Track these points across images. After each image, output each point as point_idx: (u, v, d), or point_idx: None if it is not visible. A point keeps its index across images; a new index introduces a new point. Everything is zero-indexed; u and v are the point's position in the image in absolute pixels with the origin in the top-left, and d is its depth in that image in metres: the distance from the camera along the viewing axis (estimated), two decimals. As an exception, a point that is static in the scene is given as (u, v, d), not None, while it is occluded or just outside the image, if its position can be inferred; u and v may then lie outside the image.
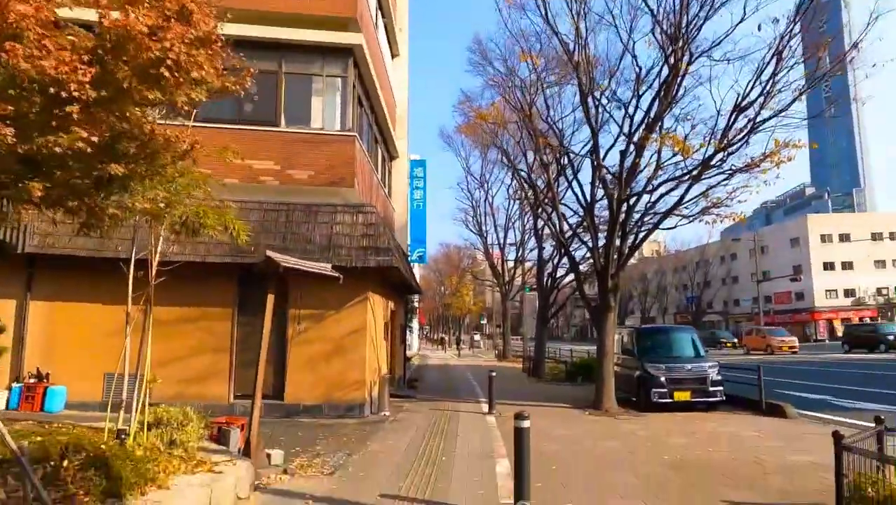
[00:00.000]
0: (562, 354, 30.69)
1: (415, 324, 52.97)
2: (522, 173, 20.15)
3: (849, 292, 62.30)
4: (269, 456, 6.54)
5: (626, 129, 11.83)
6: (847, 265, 62.87)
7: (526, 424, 5.28)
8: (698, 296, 74.03)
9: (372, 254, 10.77)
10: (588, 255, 16.15)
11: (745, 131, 9.97)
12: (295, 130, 11.70)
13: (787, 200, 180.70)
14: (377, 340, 12.40)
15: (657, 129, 11.14)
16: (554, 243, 25.17)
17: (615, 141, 13.41)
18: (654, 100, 11.11)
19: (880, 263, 63.45)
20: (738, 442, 8.67)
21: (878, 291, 62.08)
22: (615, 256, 12.76)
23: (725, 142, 10.14)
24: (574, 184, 14.31)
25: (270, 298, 6.44)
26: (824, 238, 63.53)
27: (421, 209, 37.47)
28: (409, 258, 34.11)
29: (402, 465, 7.12)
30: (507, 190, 37.52)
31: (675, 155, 12.51)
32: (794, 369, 21.70)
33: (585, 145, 18.21)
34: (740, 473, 6.76)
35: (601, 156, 12.78)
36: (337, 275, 6.94)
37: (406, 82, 21.30)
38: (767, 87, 9.85)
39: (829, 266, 62.75)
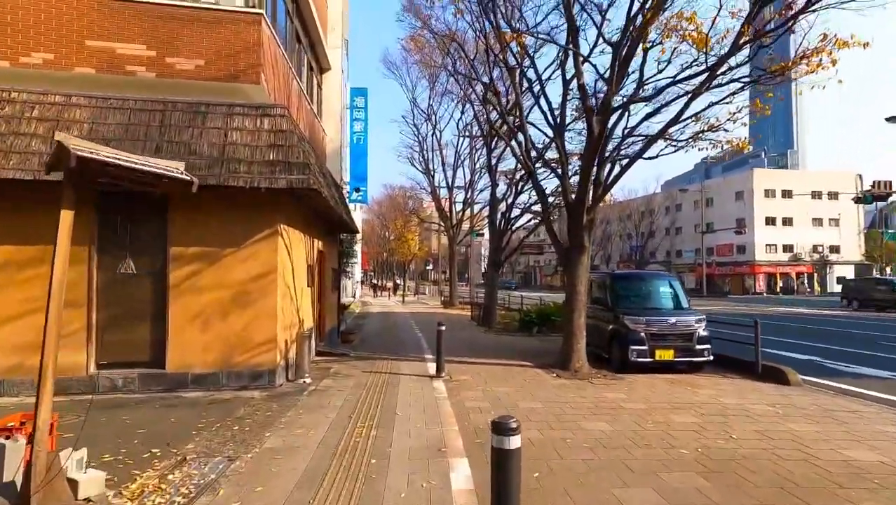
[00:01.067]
0: (511, 301, 28.99)
1: (357, 269, 50.33)
2: (481, 83, 17.22)
3: (787, 248, 63.78)
4: (74, 486, 3.92)
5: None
6: (787, 221, 64.14)
7: (514, 442, 2.91)
8: (642, 245, 74.52)
9: (282, 171, 7.96)
10: (556, 188, 13.91)
11: (797, 9, 7.44)
12: (177, 3, 8.50)
13: (725, 157, 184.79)
14: (296, 286, 9.77)
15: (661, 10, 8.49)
16: (508, 180, 22.82)
17: (596, 41, 10.87)
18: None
19: (817, 221, 65.17)
20: (760, 423, 6.72)
21: (814, 248, 63.94)
22: (590, 187, 10.46)
23: (755, 29, 7.70)
24: (542, 102, 11.75)
25: (65, 216, 3.68)
26: (768, 193, 64.27)
27: (362, 144, 34.15)
28: (347, 194, 31.03)
29: (309, 477, 4.68)
30: (457, 125, 34.65)
31: (668, 61, 10.16)
32: (771, 325, 20.64)
33: (551, 63, 15.52)
34: (806, 483, 4.71)
35: (585, 54, 10.17)
36: (188, 177, 4.18)
37: (341, -15, 17.83)
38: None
39: (770, 221, 63.77)
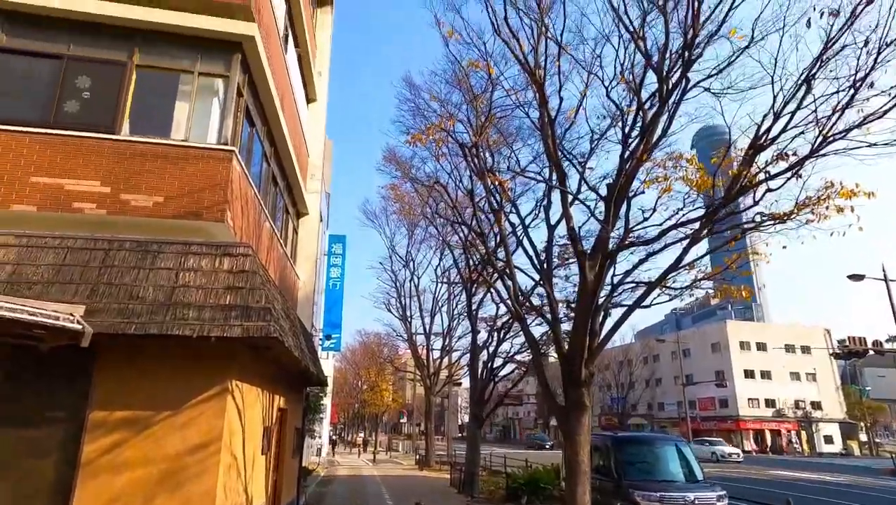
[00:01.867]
0: (493, 460, 26.43)
1: (325, 424, 46.86)
2: (464, 226, 16.84)
3: (769, 402, 62.63)
4: None
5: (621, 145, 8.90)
6: (766, 374, 63.76)
7: None
8: (624, 397, 72.26)
9: (239, 317, 6.84)
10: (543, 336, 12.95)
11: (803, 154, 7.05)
12: (141, 140, 7.95)
13: (694, 309, 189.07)
14: (246, 456, 8.15)
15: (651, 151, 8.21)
16: (489, 327, 21.84)
17: (578, 188, 10.58)
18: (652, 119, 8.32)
19: (795, 375, 65.04)
20: None
21: (796, 403, 62.94)
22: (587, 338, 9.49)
23: (762, 173, 7.31)
24: (526, 246, 11.22)
25: None
26: (743, 345, 64.58)
27: (338, 290, 33.39)
28: (319, 341, 29.43)
29: None
30: (435, 271, 34.43)
31: (653, 209, 9.84)
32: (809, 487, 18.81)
33: (534, 207, 15.41)
34: None
35: (574, 191, 9.77)
36: (78, 327, 3.07)
37: (323, 135, 18.20)
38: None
39: (749, 374, 63.31)
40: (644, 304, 9.83)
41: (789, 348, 64.92)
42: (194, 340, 6.57)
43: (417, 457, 35.85)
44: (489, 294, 22.64)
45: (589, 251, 9.54)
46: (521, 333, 18.19)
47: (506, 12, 8.49)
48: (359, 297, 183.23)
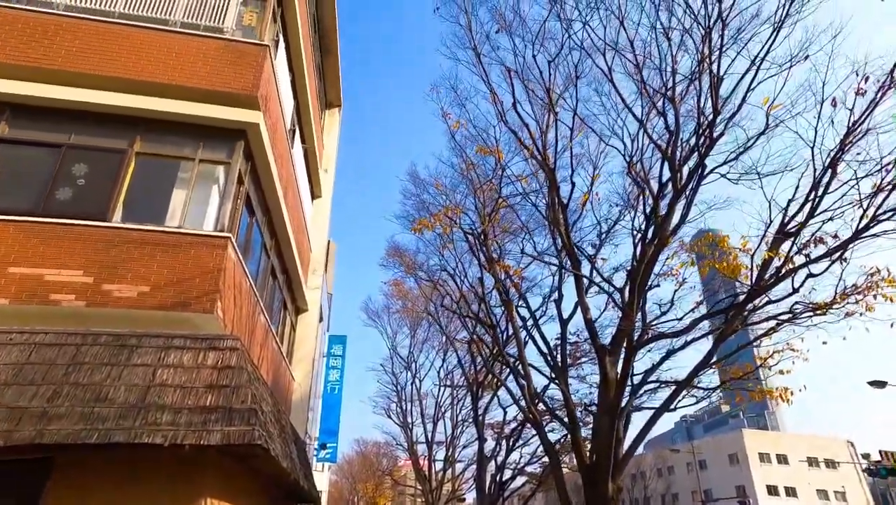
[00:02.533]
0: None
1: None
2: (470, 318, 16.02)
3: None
4: None
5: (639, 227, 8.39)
6: (791, 491, 59.29)
7: None
8: (627, 514, 67.27)
9: (220, 420, 5.97)
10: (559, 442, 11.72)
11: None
12: (133, 227, 7.51)
13: (705, 416, 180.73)
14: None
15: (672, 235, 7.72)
16: (496, 434, 20.33)
17: (590, 285, 9.98)
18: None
19: (823, 494, 60.17)
20: None
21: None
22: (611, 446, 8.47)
23: (802, 257, 6.74)
24: (538, 341, 10.44)
25: None
26: (763, 457, 60.78)
27: (336, 394, 31.69)
28: (314, 451, 27.38)
29: None
30: (438, 373, 33.04)
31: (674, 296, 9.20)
32: None
33: (545, 301, 14.74)
34: None
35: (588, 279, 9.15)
36: None
37: (326, 230, 18.01)
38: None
39: (773, 490, 58.96)
40: (671, 406, 8.90)
41: (812, 462, 60.74)
42: (167, 448, 5.68)
43: (418, 585, 32.33)
44: (496, 398, 21.41)
45: (609, 345, 8.78)
46: (532, 440, 16.76)
47: (514, 98, 8.39)
48: (357, 401, 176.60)
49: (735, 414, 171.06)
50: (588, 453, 8.63)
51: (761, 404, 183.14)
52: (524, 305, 11.38)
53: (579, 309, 11.79)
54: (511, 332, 9.50)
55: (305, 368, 15.20)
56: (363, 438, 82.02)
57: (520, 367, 9.24)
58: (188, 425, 5.86)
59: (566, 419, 9.56)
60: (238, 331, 8.02)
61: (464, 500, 44.37)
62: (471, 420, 33.82)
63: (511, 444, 18.27)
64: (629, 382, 9.82)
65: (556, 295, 11.80)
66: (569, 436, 9.23)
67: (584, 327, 9.48)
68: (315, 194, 16.98)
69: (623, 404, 9.18)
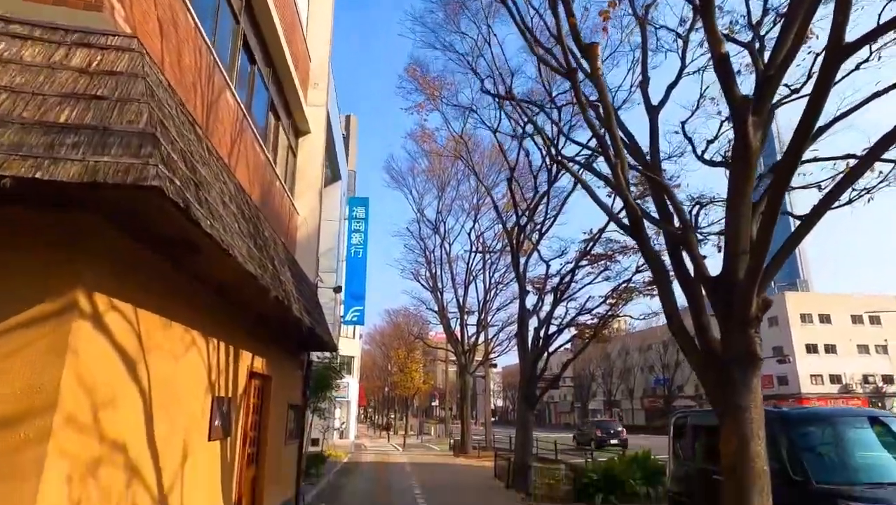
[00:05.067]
0: (539, 447, 22.53)
1: (352, 407, 43.82)
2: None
3: (834, 378, 56.89)
4: None
5: None
6: (830, 348, 57.95)
7: None
8: (669, 378, 67.54)
9: (80, 147, 3.10)
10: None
11: None
12: None
13: None
14: (159, 442, 4.51)
15: None
16: (537, 290, 17.86)
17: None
18: None
19: (863, 349, 59.01)
20: None
21: (865, 378, 57.20)
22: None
23: None
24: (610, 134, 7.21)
25: None
26: (804, 318, 58.96)
27: (360, 258, 29.78)
28: (341, 316, 25.90)
29: None
30: (469, 235, 30.57)
31: None
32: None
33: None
34: None
35: None
36: None
37: (328, 43, 14.43)
38: None
39: (811, 348, 57.64)
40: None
41: (856, 319, 58.91)
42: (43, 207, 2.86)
43: (452, 442, 32.32)
44: (536, 252, 18.75)
45: (754, 96, 5.53)
46: (580, 294, 14.32)
47: None
48: (384, 269, 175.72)
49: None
50: (721, 264, 5.70)
51: (792, 272, 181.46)
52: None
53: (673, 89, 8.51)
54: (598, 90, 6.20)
55: (311, 203, 12.44)
56: (392, 309, 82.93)
57: (607, 138, 6.16)
58: (15, 149, 2.99)
59: (667, 225, 6.56)
60: (174, 80, 4.95)
61: (495, 365, 44.13)
62: (503, 283, 31.92)
63: (559, 295, 15.76)
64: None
65: (639, 77, 8.51)
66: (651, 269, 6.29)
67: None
68: (312, -10, 13.28)
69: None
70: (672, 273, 6.61)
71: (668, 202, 6.55)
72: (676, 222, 6.61)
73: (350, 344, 43.68)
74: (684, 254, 6.32)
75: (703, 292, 5.88)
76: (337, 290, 13.45)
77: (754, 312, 5.29)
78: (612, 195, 8.36)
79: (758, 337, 5.34)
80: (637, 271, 14.24)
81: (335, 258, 29.15)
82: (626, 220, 6.53)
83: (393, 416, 66.82)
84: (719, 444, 5.40)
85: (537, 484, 14.17)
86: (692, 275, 6.11)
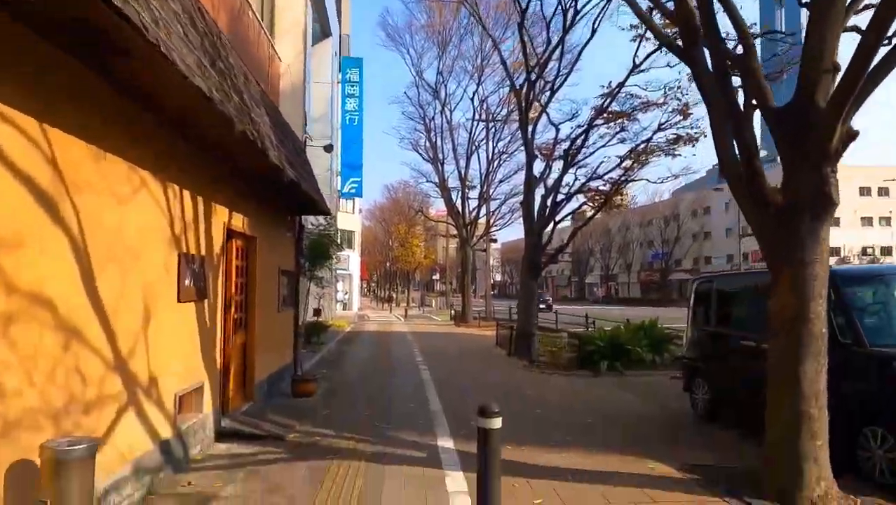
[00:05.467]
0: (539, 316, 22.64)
1: (354, 280, 44.35)
2: None
3: (832, 251, 57.00)
4: None
5: None
6: (833, 222, 57.46)
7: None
8: (668, 252, 68.22)
9: None
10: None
11: None
12: None
13: None
14: (106, 300, 3.72)
15: None
16: (545, 157, 16.69)
17: None
18: None
19: (867, 221, 58.61)
20: None
21: (864, 250, 57.34)
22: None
23: None
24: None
25: None
26: (813, 190, 57.95)
27: (356, 126, 28.07)
28: (338, 187, 24.86)
29: None
30: (472, 101, 28.73)
31: None
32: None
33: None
34: None
35: None
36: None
37: None
38: None
39: (813, 221, 57.27)
40: None
41: (864, 191, 58.01)
42: None
43: (453, 313, 32.88)
44: (545, 115, 17.31)
45: None
46: (591, 160, 13.29)
47: None
48: (382, 135, 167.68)
49: (773, 158, 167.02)
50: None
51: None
52: None
53: None
54: None
55: (295, 46, 10.89)
56: (392, 185, 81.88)
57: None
58: None
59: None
60: None
61: (495, 240, 43.95)
62: (507, 153, 30.59)
63: (570, 160, 14.61)
64: None
65: None
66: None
67: None
68: None
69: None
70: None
71: (729, 15, 5.21)
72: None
73: (350, 219, 43.18)
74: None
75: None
76: (328, 148, 12.28)
77: (836, 145, 4.27)
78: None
79: (834, 177, 4.37)
80: (659, 129, 12.99)
81: (329, 126, 27.55)
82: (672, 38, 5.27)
83: (395, 289, 68.34)
84: (770, 302, 4.63)
85: (540, 352, 14.07)
86: (744, 108, 5.00)
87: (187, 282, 5.09)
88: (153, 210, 4.53)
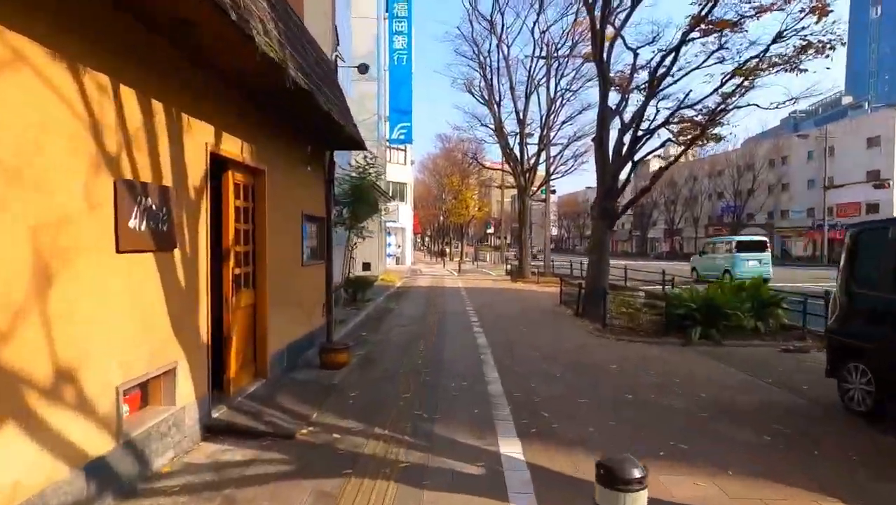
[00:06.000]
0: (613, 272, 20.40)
1: (407, 234, 43.09)
2: None
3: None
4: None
5: None
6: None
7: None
8: (741, 205, 63.12)
9: None
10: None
11: None
12: None
13: (818, 110, 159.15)
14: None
15: None
16: (620, 89, 14.22)
17: None
18: None
19: None
20: None
21: None
22: None
23: None
24: None
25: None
26: (912, 138, 51.43)
27: (405, 66, 25.95)
28: (387, 133, 22.91)
29: None
30: (532, 33, 25.91)
31: None
32: None
33: None
34: None
35: None
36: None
37: None
38: None
39: (915, 174, 51.09)
40: None
41: None
42: None
43: (508, 267, 30.98)
44: (620, 38, 14.67)
45: None
46: (680, 90, 11.05)
47: None
48: (433, 75, 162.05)
49: (858, 105, 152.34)
50: None
51: (891, 95, 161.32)
52: None
53: None
54: None
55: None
56: (445, 134, 79.10)
57: None
58: None
59: None
60: None
61: (554, 190, 41.29)
62: (572, 91, 27.79)
63: (655, 85, 12.15)
64: None
65: None
66: None
67: None
68: None
69: None
70: None
71: None
72: None
73: (402, 170, 41.49)
74: None
75: None
76: (362, 68, 10.34)
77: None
78: None
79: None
80: (779, 37, 10.26)
81: (377, 66, 25.55)
82: None
83: (448, 243, 66.81)
84: None
85: (613, 313, 12.10)
86: None
87: (134, 223, 3.47)
88: (49, 102, 2.87)
